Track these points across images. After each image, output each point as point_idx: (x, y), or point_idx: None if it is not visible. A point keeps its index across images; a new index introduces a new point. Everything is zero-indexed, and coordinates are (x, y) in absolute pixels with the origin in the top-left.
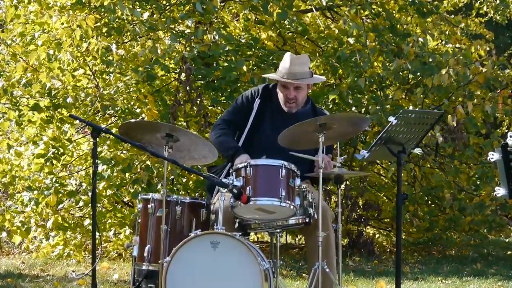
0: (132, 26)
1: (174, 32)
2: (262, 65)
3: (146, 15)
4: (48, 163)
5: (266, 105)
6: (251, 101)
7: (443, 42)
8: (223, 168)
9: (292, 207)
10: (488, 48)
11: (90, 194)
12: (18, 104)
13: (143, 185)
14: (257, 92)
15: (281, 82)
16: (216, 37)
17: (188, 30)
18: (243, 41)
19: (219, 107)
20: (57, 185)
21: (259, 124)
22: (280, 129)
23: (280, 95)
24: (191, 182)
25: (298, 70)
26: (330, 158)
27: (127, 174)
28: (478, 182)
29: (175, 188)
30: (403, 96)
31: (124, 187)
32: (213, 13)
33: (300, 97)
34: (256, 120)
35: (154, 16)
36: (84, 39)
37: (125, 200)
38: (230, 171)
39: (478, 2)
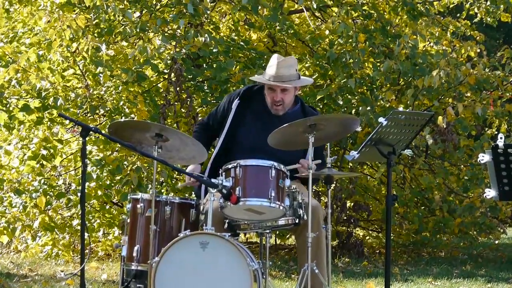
0: (123, 27)
1: (165, 34)
2: (252, 67)
3: (136, 15)
4: (38, 165)
5: (247, 106)
6: (229, 105)
7: (431, 44)
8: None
9: (281, 207)
10: (478, 50)
11: (79, 194)
12: (8, 105)
13: (133, 187)
14: (237, 94)
15: (268, 85)
16: (208, 40)
17: (178, 31)
18: (233, 42)
19: (209, 108)
20: (45, 186)
21: (240, 124)
22: (266, 130)
23: (267, 97)
24: (179, 184)
25: (284, 73)
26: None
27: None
28: (468, 184)
29: (162, 191)
30: (394, 97)
31: (114, 187)
32: (203, 14)
33: (287, 99)
34: (236, 121)
35: (143, 17)
36: (74, 39)
37: (114, 200)
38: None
39: (469, 3)
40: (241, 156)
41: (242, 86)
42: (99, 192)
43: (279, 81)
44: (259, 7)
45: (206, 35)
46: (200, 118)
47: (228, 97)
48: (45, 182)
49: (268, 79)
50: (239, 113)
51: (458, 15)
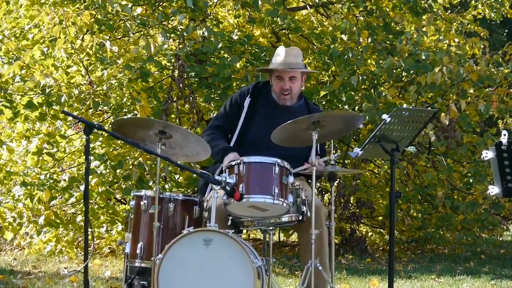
0: (123, 22)
1: (166, 28)
2: (256, 62)
3: (139, 10)
4: (40, 157)
5: (258, 102)
6: (240, 102)
7: (440, 38)
8: (216, 169)
9: (285, 204)
10: (482, 46)
11: (82, 189)
12: (12, 102)
13: (133, 182)
14: (247, 91)
15: (276, 73)
16: (206, 34)
17: (181, 27)
18: (235, 37)
19: (212, 104)
20: (51, 181)
21: (251, 122)
22: (274, 124)
23: (275, 88)
24: (181, 178)
25: (292, 60)
26: (325, 154)
27: (118, 171)
28: (471, 181)
29: (166, 186)
30: (397, 94)
31: (117, 184)
32: (204, 8)
33: (294, 88)
34: (248, 119)
35: (144, 12)
36: (77, 36)
37: (117, 196)
38: (223, 170)
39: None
40: (254, 153)
41: (246, 83)
42: (101, 188)
43: (287, 67)
44: (260, 3)
45: (205, 28)
46: (210, 123)
47: (237, 96)
48: (50, 176)
49: (276, 67)
50: (251, 110)
51: (463, 12)
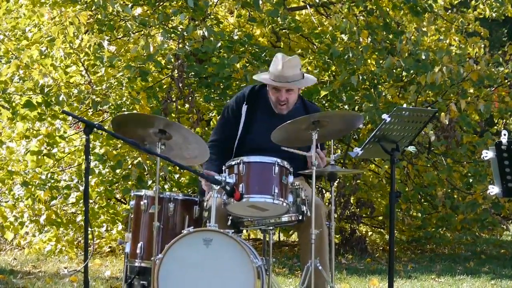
0: (124, 22)
1: (166, 28)
2: (255, 62)
3: (139, 10)
4: (40, 157)
5: (255, 108)
6: (237, 110)
7: (441, 38)
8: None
9: (285, 204)
10: (483, 45)
11: (82, 189)
12: (11, 101)
13: (132, 182)
14: (243, 98)
15: (273, 85)
16: (206, 33)
17: (181, 27)
18: (236, 37)
19: (212, 104)
20: (52, 181)
21: (249, 129)
22: (271, 128)
23: (271, 96)
24: (183, 179)
25: (289, 73)
26: (324, 154)
27: (118, 171)
28: (471, 181)
29: (166, 186)
30: (397, 94)
31: (116, 184)
32: (205, 8)
33: (291, 99)
34: (246, 126)
35: (144, 12)
36: (76, 35)
37: (117, 196)
38: (223, 170)
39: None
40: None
41: (245, 83)
42: (100, 188)
43: (284, 81)
44: (261, 2)
45: (205, 28)
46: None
47: (233, 103)
48: (51, 176)
49: (273, 79)
50: (249, 117)
51: (464, 12)
